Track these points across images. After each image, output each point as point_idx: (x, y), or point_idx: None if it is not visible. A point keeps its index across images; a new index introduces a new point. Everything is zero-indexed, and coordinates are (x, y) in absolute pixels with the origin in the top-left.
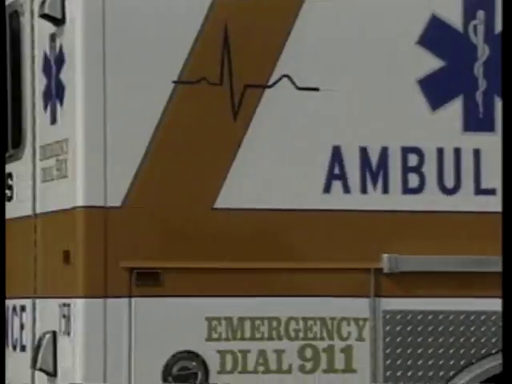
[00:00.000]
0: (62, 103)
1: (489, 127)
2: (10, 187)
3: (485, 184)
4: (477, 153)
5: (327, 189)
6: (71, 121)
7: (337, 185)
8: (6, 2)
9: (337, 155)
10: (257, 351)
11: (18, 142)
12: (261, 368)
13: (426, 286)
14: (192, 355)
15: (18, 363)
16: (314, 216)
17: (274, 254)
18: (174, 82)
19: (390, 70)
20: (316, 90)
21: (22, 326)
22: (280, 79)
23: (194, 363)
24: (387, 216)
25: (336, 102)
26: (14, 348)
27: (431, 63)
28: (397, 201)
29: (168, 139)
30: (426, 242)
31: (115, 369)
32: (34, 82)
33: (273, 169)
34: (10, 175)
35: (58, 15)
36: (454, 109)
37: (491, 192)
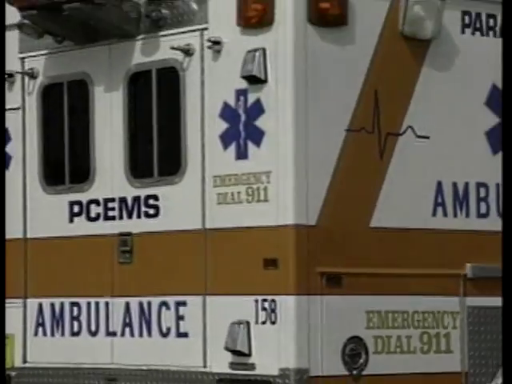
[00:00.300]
0: (258, 145)
1: None
2: (156, 206)
3: None
4: None
5: (434, 213)
6: (275, 158)
7: (439, 210)
8: (152, 58)
9: (439, 188)
10: (396, 336)
11: (173, 172)
12: (398, 349)
13: (498, 288)
14: (358, 339)
15: (173, 348)
16: (426, 233)
17: (404, 262)
18: (346, 130)
19: (467, 124)
20: (427, 137)
21: (180, 318)
22: (406, 129)
23: (359, 346)
24: (469, 234)
25: (437, 147)
26: (165, 335)
27: (493, 120)
28: (474, 223)
29: (342, 173)
30: (496, 255)
31: (312, 348)
32: (203, 125)
33: (404, 196)
34: (154, 196)
35: (262, 76)
36: None
37: None
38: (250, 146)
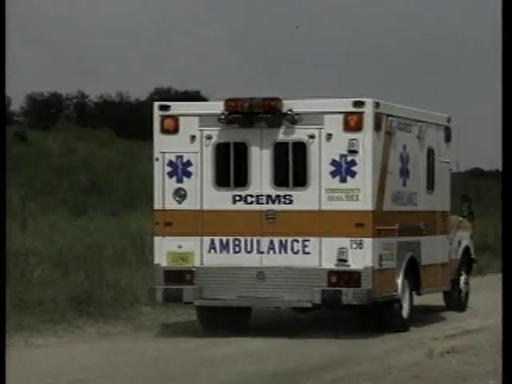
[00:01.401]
0: (353, 176)
1: None
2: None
3: None
4: None
5: None
6: (363, 182)
7: None
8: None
9: None
10: None
11: (303, 184)
12: None
13: None
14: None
15: (302, 258)
16: None
17: None
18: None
19: None
20: None
21: (305, 246)
22: None
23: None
24: None
25: None
26: (296, 253)
27: None
28: None
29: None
30: None
31: (376, 259)
32: (320, 168)
33: None
34: (290, 195)
35: (359, 151)
36: None
37: None
38: (349, 178)
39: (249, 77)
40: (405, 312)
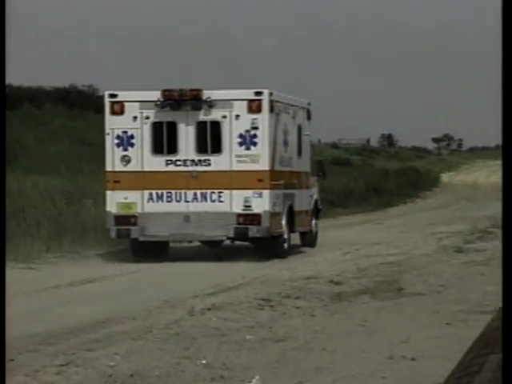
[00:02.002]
0: (255, 145)
1: None
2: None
3: None
4: None
5: None
6: (262, 150)
7: None
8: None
9: None
10: None
11: (218, 151)
12: None
13: None
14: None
15: (217, 205)
16: None
17: None
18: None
19: None
20: None
21: (220, 196)
22: None
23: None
24: None
25: None
26: (213, 201)
27: None
28: None
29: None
30: None
31: (271, 204)
32: (231, 141)
33: None
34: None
35: (259, 127)
36: None
37: None
38: (252, 146)
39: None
40: (286, 244)
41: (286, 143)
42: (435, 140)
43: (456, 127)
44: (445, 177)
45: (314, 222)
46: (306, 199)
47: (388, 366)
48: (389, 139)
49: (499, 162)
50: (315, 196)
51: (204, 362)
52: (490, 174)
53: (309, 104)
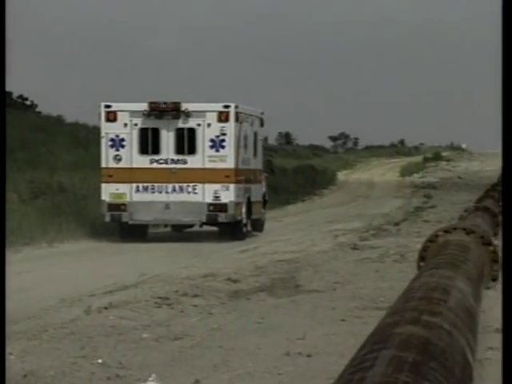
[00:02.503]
0: (223, 148)
1: None
2: (185, 161)
3: None
4: None
5: None
6: (229, 152)
7: None
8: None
9: None
10: None
11: (193, 152)
12: None
13: None
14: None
15: (192, 196)
16: None
17: None
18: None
19: None
20: None
21: (194, 189)
22: None
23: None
24: None
25: None
26: (189, 193)
27: None
28: None
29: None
30: None
31: (234, 196)
32: (204, 145)
33: None
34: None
35: (227, 134)
36: None
37: None
38: (221, 149)
39: None
40: (245, 229)
41: (245, 146)
42: (332, 138)
43: (352, 126)
44: (341, 175)
45: (262, 210)
46: (259, 192)
47: (284, 362)
48: (286, 137)
49: (394, 161)
50: (264, 189)
51: (100, 361)
52: (384, 172)
53: (262, 113)
